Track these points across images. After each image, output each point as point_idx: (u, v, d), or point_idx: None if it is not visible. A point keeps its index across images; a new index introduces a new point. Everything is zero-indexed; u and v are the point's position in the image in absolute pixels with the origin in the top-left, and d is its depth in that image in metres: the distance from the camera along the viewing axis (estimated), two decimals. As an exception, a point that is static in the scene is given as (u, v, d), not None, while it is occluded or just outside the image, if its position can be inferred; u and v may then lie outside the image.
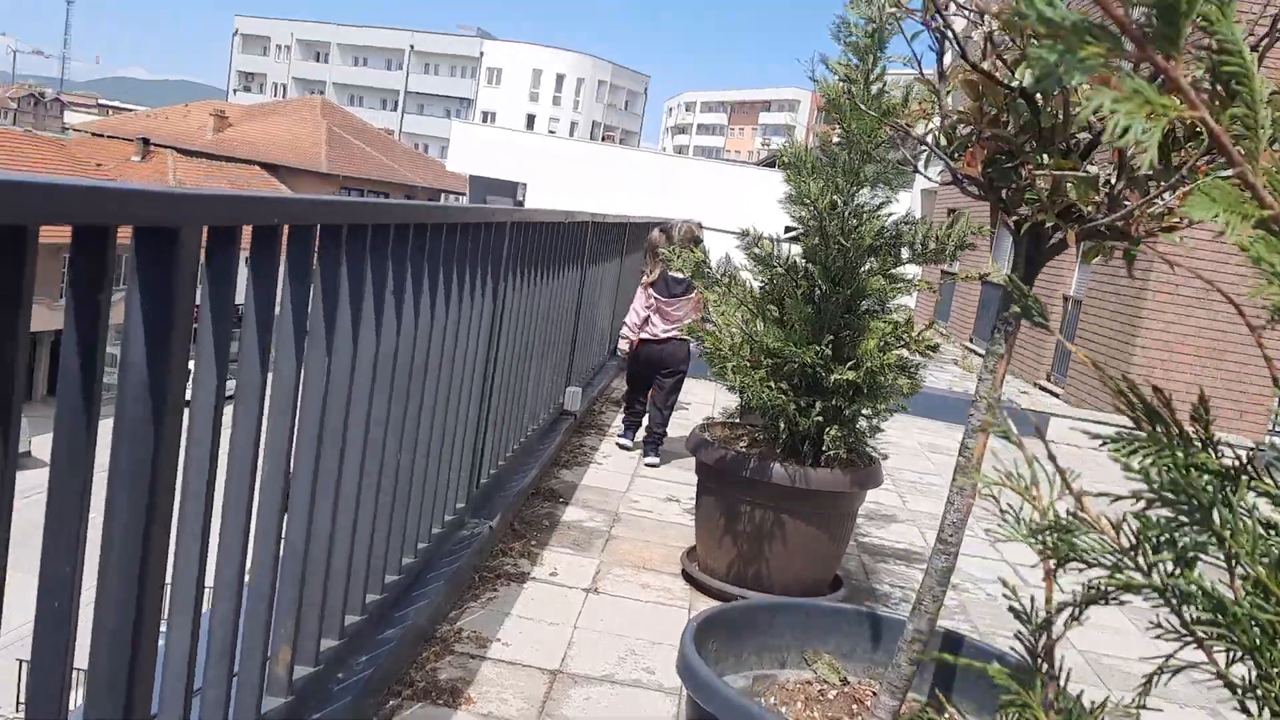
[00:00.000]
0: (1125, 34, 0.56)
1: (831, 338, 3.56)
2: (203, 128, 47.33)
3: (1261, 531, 0.66)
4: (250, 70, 79.25)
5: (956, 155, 1.95)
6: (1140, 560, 0.75)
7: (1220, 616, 0.68)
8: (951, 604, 4.12)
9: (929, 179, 2.19)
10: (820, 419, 3.58)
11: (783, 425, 3.62)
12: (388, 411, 2.62)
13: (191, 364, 1.68)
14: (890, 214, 3.70)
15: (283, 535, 2.15)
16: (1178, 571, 0.72)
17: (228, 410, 1.87)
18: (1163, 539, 0.72)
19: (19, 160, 28.06)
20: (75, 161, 31.14)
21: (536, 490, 4.76)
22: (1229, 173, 0.65)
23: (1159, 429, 0.75)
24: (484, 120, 60.69)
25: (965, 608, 4.16)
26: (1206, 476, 0.70)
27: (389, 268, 2.47)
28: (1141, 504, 0.76)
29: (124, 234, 1.40)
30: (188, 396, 1.62)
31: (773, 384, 3.50)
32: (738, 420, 4.28)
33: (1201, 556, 0.72)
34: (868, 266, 3.65)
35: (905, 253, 3.56)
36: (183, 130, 46.94)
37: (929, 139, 2.06)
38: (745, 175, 27.48)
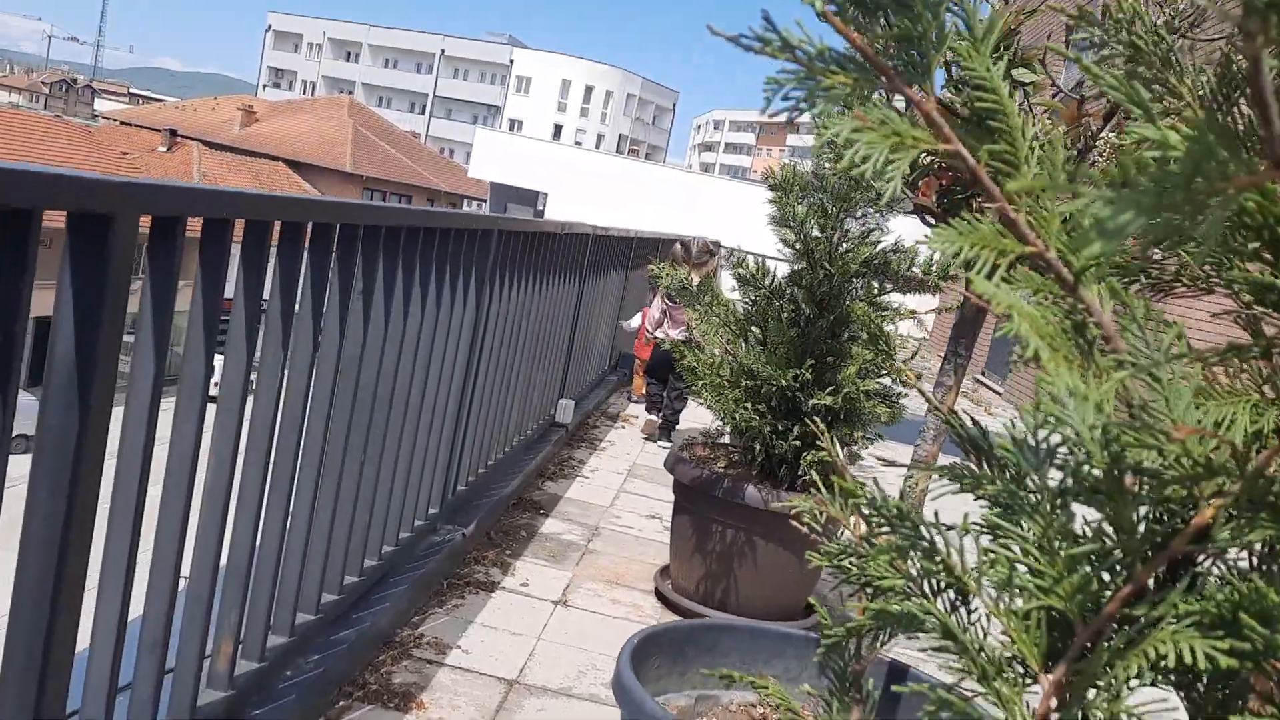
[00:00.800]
0: (872, 64, 0.56)
1: (813, 362, 3.54)
2: (230, 121, 47.78)
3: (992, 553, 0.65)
4: (281, 67, 79.99)
5: (915, 185, 1.95)
6: (925, 589, 0.74)
7: (951, 643, 0.67)
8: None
9: (893, 206, 2.19)
10: (797, 443, 3.56)
11: (759, 447, 3.60)
12: (350, 413, 2.62)
13: (218, 359, 1.68)
14: (880, 242, 3.69)
15: (226, 531, 2.14)
16: (939, 605, 0.72)
17: (172, 404, 1.88)
18: (926, 569, 0.71)
19: (44, 145, 28.37)
20: (100, 149, 31.45)
21: (518, 501, 4.75)
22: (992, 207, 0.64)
23: (980, 460, 0.74)
24: (510, 128, 60.99)
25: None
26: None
27: (356, 268, 2.48)
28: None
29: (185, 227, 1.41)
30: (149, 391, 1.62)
31: (748, 405, 3.49)
32: (723, 441, 4.27)
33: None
34: (854, 293, 3.64)
35: (888, 285, 3.55)
36: (210, 123, 47.40)
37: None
38: (768, 197, 27.48)
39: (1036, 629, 0.62)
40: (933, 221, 1.95)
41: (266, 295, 2.09)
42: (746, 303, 3.70)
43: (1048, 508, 0.61)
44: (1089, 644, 0.60)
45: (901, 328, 5.43)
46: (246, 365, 2.05)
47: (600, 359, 7.63)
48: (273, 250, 2.08)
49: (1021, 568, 0.63)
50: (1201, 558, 0.61)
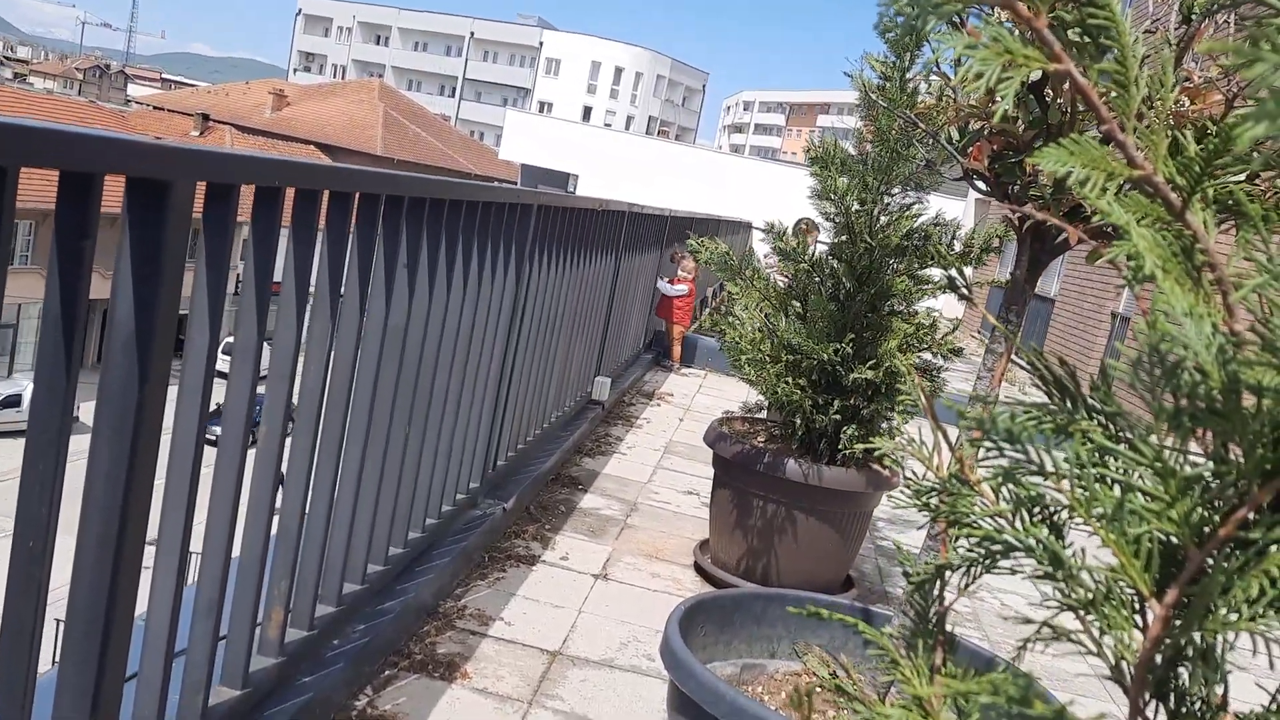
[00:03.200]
0: None
1: (853, 337, 3.52)
2: (261, 106, 48.07)
3: (1097, 487, 0.64)
4: (311, 51, 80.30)
5: (966, 150, 1.92)
6: (1017, 523, 0.73)
7: (1056, 570, 0.66)
8: (965, 610, 4.06)
9: (943, 176, 2.16)
10: (838, 417, 3.54)
11: (799, 422, 3.59)
12: (395, 385, 2.64)
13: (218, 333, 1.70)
14: (920, 216, 3.65)
15: (277, 500, 2.17)
16: (1045, 532, 0.71)
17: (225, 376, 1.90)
18: (1025, 497, 0.70)
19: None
20: (133, 133, 31.73)
21: (557, 476, 4.77)
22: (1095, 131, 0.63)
23: (1065, 400, 0.73)
24: (540, 110, 60.94)
25: (978, 616, 4.10)
26: (1081, 439, 0.68)
27: (402, 239, 2.49)
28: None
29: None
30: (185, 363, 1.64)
31: (789, 379, 3.48)
32: (759, 416, 4.26)
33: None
34: (894, 267, 3.61)
35: (931, 255, 3.51)
36: (242, 107, 47.72)
37: (941, 135, 2.03)
38: (799, 177, 27.32)
39: (1146, 555, 0.61)
40: (984, 186, 1.93)
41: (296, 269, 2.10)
42: (787, 276, 3.68)
43: (1162, 431, 0.60)
44: (1200, 570, 0.59)
45: (937, 303, 5.37)
46: (296, 334, 2.06)
47: (635, 337, 7.63)
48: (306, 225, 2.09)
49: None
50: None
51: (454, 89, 76.98)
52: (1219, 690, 0.66)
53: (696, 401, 7.52)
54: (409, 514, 2.99)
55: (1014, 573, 0.77)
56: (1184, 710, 0.64)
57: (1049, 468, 0.67)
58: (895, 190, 3.58)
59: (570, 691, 2.84)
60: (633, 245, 6.34)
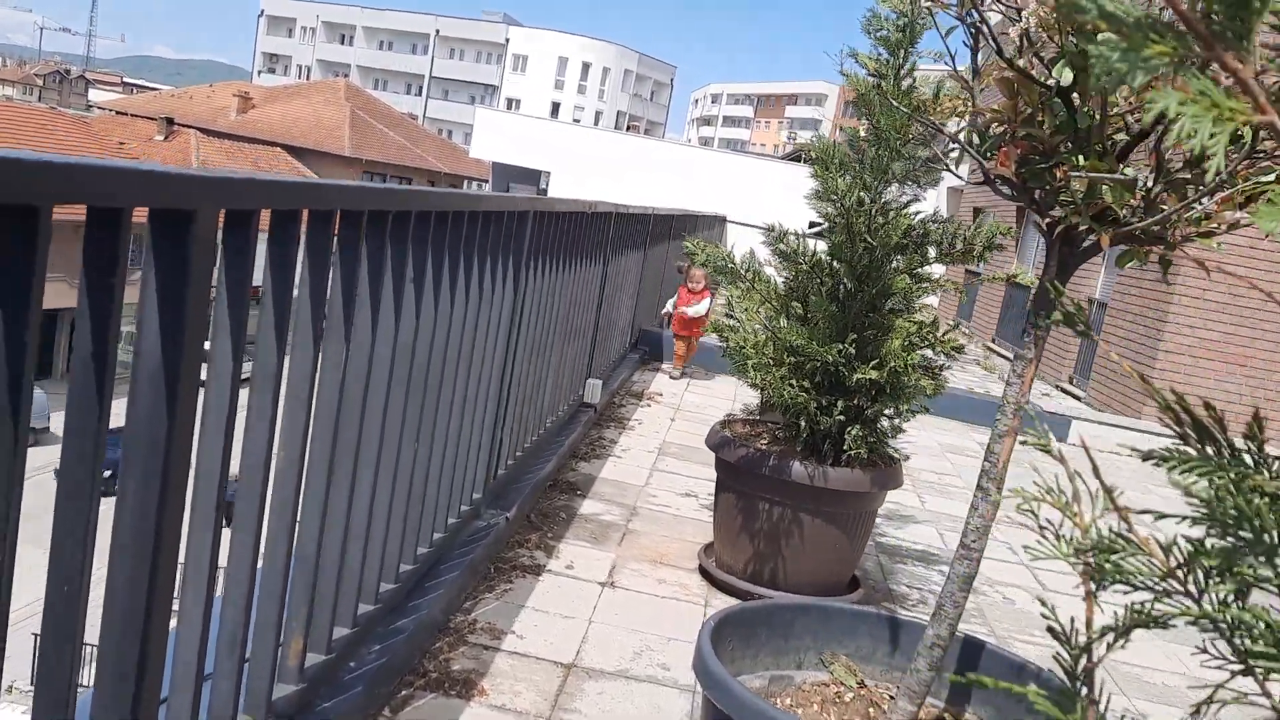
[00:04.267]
0: (1192, 31, 0.53)
1: (855, 336, 3.51)
2: (226, 108, 47.53)
3: None
4: (275, 52, 79.51)
5: (989, 154, 1.91)
6: (1190, 586, 0.71)
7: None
8: (970, 606, 4.07)
9: (959, 177, 2.15)
10: (842, 418, 3.53)
11: (803, 424, 3.58)
12: (405, 401, 2.60)
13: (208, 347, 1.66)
14: (918, 212, 3.65)
15: (297, 523, 2.13)
16: (1234, 601, 0.69)
17: (244, 396, 1.86)
18: (1219, 566, 0.68)
19: (42, 137, 28.24)
20: (98, 139, 31.31)
21: (554, 482, 4.74)
22: None
23: (1208, 447, 0.71)
24: (508, 107, 60.65)
25: (983, 611, 4.11)
26: (1264, 500, 0.66)
27: (409, 256, 2.45)
28: (1188, 524, 0.73)
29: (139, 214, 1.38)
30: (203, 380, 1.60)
31: (794, 382, 3.46)
32: (758, 417, 4.24)
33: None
34: (894, 265, 3.60)
35: (932, 252, 3.51)
36: (206, 110, 47.17)
37: (961, 137, 2.02)
38: (770, 169, 27.35)
39: None
40: (1009, 191, 1.91)
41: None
42: (787, 278, 3.66)
43: None
44: None
45: (933, 300, 5.38)
46: (314, 356, 2.02)
47: (622, 337, 7.61)
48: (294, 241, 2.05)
49: None
50: None
51: (421, 87, 76.49)
52: None
53: (686, 400, 7.50)
54: (418, 529, 2.96)
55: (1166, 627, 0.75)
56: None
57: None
58: (893, 188, 3.57)
59: (588, 705, 2.81)
60: (620, 245, 6.32)
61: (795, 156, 32.48)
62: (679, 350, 8.43)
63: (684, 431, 6.38)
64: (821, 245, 3.68)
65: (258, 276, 1.81)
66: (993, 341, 15.63)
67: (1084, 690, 0.77)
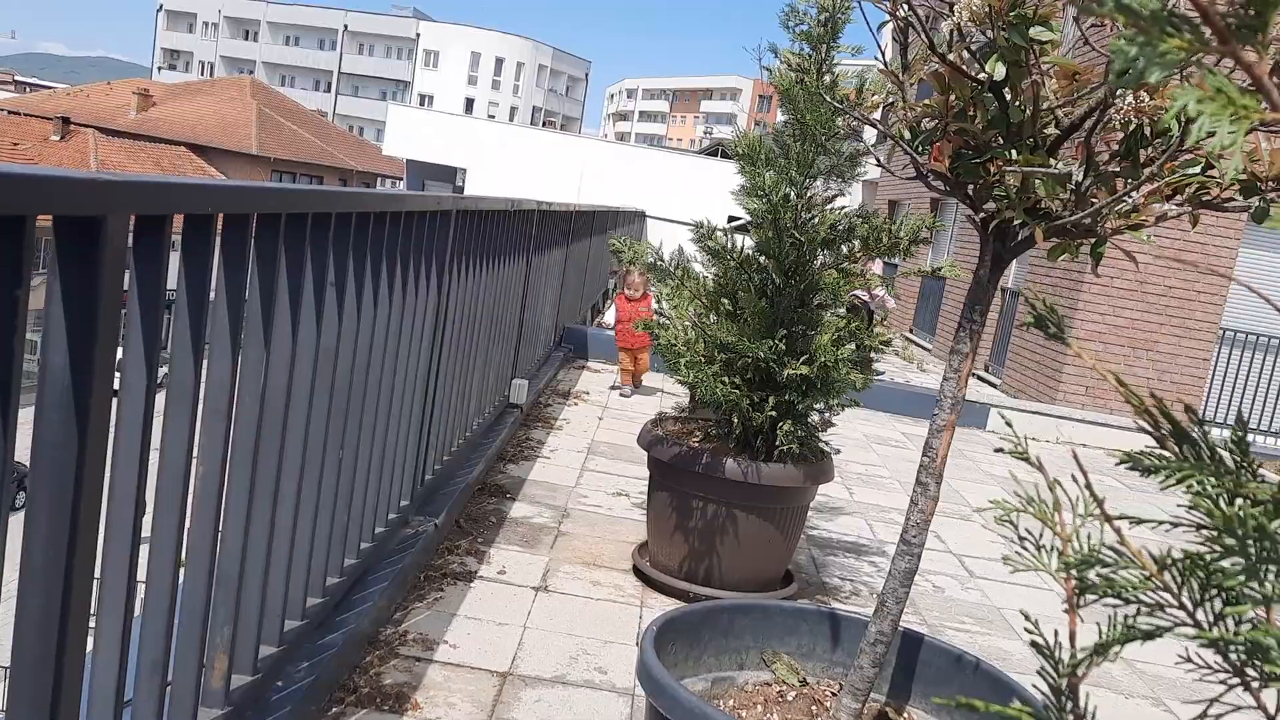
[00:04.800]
0: (1209, 26, 0.50)
1: (785, 332, 3.51)
2: (126, 106, 45.89)
3: None
4: (175, 48, 77.05)
5: (921, 149, 1.90)
6: (1185, 599, 0.70)
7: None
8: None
9: (891, 172, 2.15)
10: (774, 414, 3.53)
11: (736, 420, 3.57)
12: (328, 408, 2.51)
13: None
14: (843, 207, 3.66)
15: (219, 539, 2.03)
16: (1234, 618, 0.67)
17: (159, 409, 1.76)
18: (1227, 585, 0.66)
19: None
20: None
21: (483, 486, 4.66)
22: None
23: (1187, 449, 0.70)
24: (421, 103, 59.74)
25: (914, 601, 4.16)
26: (1253, 507, 0.65)
27: (330, 259, 2.36)
28: (1171, 529, 0.71)
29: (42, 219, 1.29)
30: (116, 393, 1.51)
31: (726, 379, 3.45)
32: (690, 415, 4.23)
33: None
34: (821, 260, 3.61)
35: (858, 246, 3.52)
36: (105, 109, 45.48)
37: (894, 131, 2.01)
38: (687, 164, 27.46)
39: None
40: (942, 186, 1.92)
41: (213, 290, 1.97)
42: (716, 275, 3.65)
43: None
44: None
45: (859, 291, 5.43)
46: (232, 365, 1.93)
47: (547, 335, 7.53)
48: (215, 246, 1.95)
49: None
50: None
51: (330, 84, 74.91)
52: None
53: (613, 399, 7.46)
54: (345, 540, 2.87)
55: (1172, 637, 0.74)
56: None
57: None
58: (819, 183, 3.58)
59: (525, 713, 2.76)
60: (543, 243, 6.25)
61: (712, 151, 32.64)
62: (625, 365, 7.58)
63: (613, 430, 6.34)
64: (748, 241, 3.67)
65: (172, 281, 1.71)
66: (910, 331, 15.93)
67: (1068, 705, 0.75)
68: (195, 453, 1.86)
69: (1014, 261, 9.99)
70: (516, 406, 5.71)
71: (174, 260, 1.68)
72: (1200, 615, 0.69)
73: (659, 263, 3.61)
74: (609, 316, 7.75)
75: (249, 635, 2.26)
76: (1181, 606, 0.70)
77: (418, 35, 72.33)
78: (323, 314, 2.37)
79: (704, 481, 3.52)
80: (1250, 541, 0.64)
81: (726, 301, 3.60)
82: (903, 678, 2.28)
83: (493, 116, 59.17)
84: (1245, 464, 0.69)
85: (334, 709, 2.60)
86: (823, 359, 3.41)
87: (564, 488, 4.93)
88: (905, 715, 2.23)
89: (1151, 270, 9.60)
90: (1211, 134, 0.50)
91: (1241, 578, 0.65)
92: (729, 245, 3.57)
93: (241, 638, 2.23)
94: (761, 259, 3.58)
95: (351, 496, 2.86)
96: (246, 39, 75.98)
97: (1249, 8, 0.49)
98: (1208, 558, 0.67)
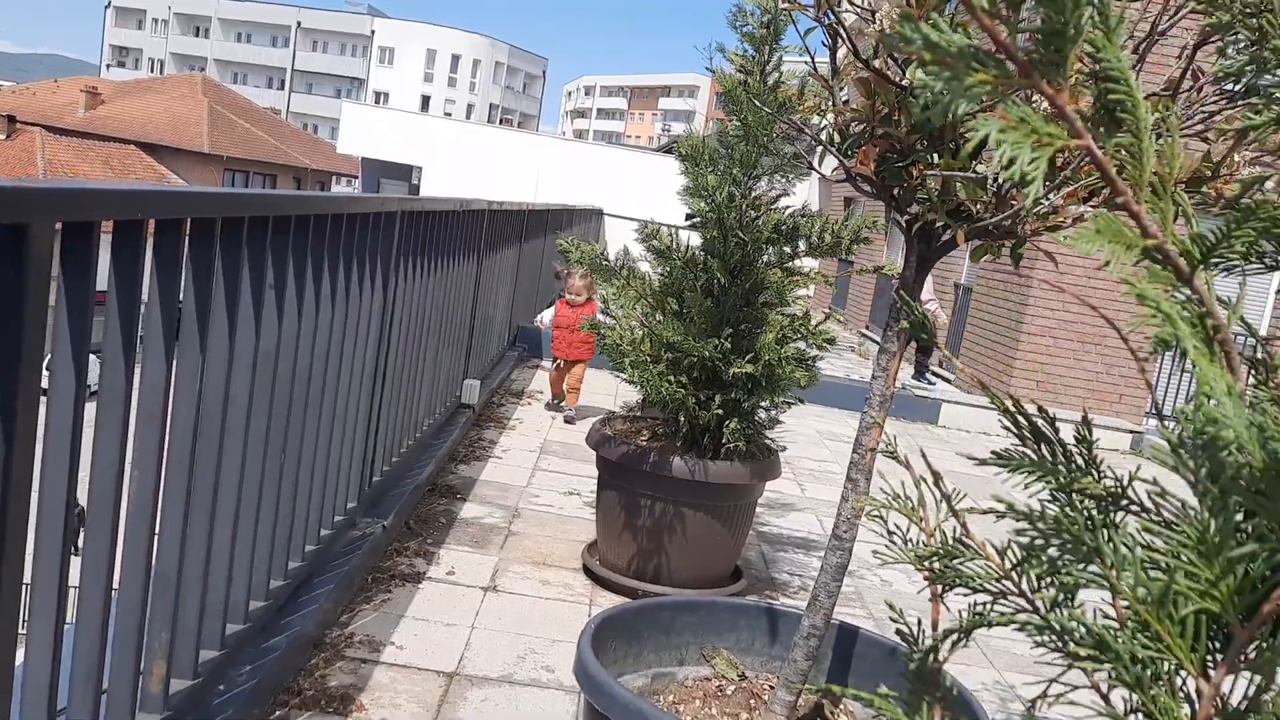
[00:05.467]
0: (1011, 61, 0.54)
1: (730, 331, 3.55)
2: (73, 104, 45.00)
3: (1143, 558, 0.65)
4: (125, 45, 75.72)
5: (850, 152, 1.95)
6: (1025, 587, 0.74)
7: (1102, 652, 0.67)
8: (849, 590, 4.18)
9: (821, 174, 2.19)
10: (720, 412, 3.57)
11: (683, 419, 3.60)
12: (269, 412, 2.51)
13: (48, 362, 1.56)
14: (787, 207, 3.71)
15: (155, 544, 2.03)
16: (1061, 603, 0.72)
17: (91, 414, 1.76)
18: (1045, 571, 0.71)
19: None
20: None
21: (434, 487, 4.66)
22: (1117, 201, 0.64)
23: (1044, 449, 0.74)
24: (376, 101, 59.24)
25: (861, 595, 4.22)
26: (1087, 502, 0.69)
27: (268, 262, 2.36)
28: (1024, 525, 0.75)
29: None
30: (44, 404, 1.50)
31: (672, 378, 3.48)
32: (639, 414, 4.26)
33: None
34: (766, 259, 3.65)
35: (803, 245, 3.57)
36: (51, 107, 44.55)
37: (823, 135, 2.05)
38: (645, 161, 27.49)
39: (1191, 634, 0.62)
40: (869, 189, 1.96)
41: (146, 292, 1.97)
42: (662, 274, 3.68)
43: (1207, 509, 0.60)
44: (1244, 647, 0.60)
45: (807, 290, 5.50)
46: (167, 370, 1.93)
47: (500, 335, 7.52)
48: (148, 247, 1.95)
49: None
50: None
51: (283, 81, 74.01)
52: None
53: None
54: (288, 543, 2.86)
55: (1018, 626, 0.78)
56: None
57: (1101, 554, 0.67)
58: (763, 183, 3.62)
59: (471, 713, 2.77)
60: (494, 243, 6.24)
61: (669, 149, 32.64)
62: (566, 381, 6.76)
63: (566, 430, 6.36)
64: (695, 240, 3.70)
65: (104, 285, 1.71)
66: (866, 328, 16.10)
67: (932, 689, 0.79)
68: (129, 456, 1.86)
69: (967, 259, 10.04)
70: (469, 407, 5.71)
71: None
72: (1040, 605, 0.73)
73: (604, 262, 3.64)
74: (546, 316, 6.79)
75: (188, 639, 2.26)
76: (1021, 594, 0.74)
77: (372, 32, 71.70)
78: (261, 317, 2.37)
79: (652, 480, 3.56)
80: (1068, 536, 0.68)
81: (673, 301, 3.63)
82: (839, 670, 2.33)
83: (449, 114, 58.80)
84: (1091, 462, 0.73)
85: (278, 712, 2.60)
86: (767, 357, 3.46)
87: (515, 487, 4.94)
88: (840, 707, 2.28)
89: (1098, 267, 9.77)
90: (1013, 161, 0.53)
91: (1069, 569, 0.69)
92: (674, 245, 3.60)
93: (180, 641, 2.23)
94: (708, 259, 3.61)
95: (295, 499, 2.86)
96: (197, 35, 74.84)
97: (1048, 45, 0.53)
98: (1044, 550, 0.71)
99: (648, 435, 3.78)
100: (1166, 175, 0.64)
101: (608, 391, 7.73)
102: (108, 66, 74.69)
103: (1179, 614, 0.62)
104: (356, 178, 34.01)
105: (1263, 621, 0.60)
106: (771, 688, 2.24)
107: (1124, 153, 0.64)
